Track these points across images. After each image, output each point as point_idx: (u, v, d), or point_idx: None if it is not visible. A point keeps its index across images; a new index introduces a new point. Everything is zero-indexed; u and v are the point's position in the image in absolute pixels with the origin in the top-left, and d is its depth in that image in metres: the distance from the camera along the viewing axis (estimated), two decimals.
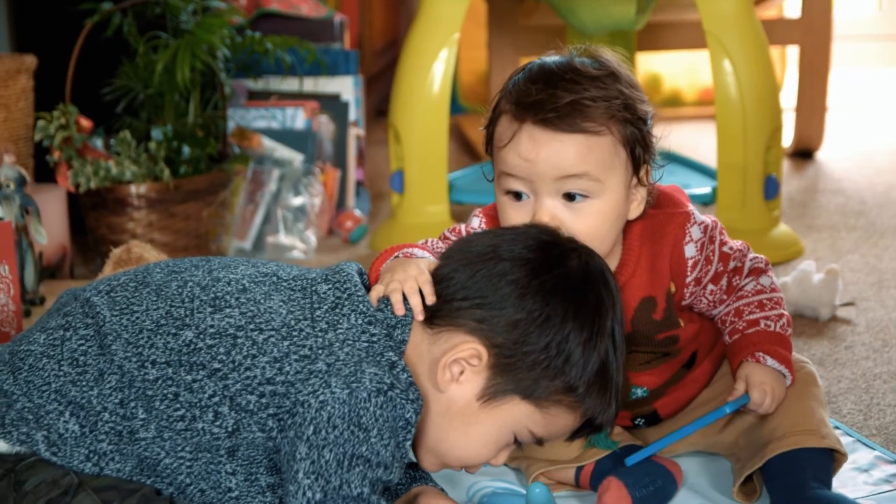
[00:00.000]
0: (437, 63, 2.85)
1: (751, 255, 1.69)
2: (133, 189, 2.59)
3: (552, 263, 1.42)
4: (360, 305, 1.41)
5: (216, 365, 1.37)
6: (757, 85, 2.73)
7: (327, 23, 3.32)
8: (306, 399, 1.34)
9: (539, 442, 1.47)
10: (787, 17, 4.21)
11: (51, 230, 2.47)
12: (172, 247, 2.62)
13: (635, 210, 1.61)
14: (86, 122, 2.62)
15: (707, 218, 1.67)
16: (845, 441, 1.81)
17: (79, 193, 2.58)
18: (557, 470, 1.68)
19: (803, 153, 3.86)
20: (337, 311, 1.41)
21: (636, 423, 1.77)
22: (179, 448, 1.37)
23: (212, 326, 1.39)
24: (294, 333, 1.38)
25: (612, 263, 1.61)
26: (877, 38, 5.23)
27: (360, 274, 1.49)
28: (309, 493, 1.31)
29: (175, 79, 2.64)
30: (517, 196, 1.57)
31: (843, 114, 4.41)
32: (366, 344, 1.39)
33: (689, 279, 1.65)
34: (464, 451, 1.44)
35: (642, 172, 1.59)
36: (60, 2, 2.88)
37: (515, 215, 1.57)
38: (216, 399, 1.36)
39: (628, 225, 1.63)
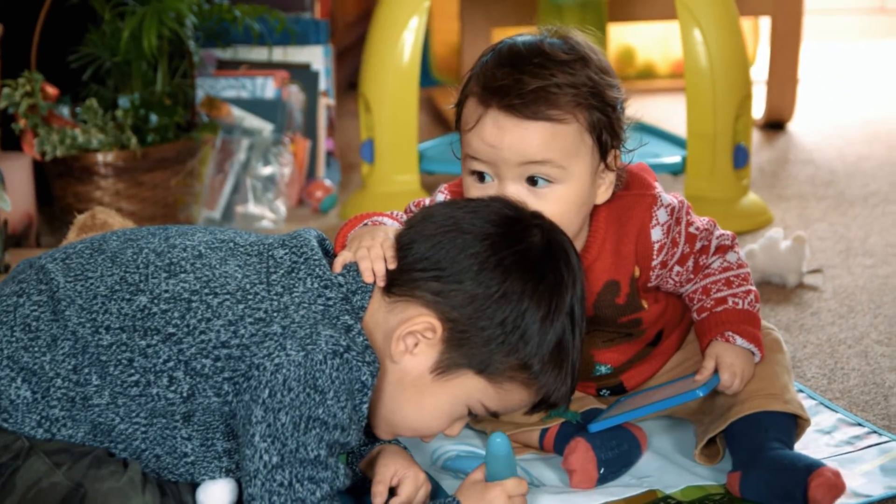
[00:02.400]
0: (407, 31, 2.84)
1: (717, 233, 1.69)
2: (100, 157, 2.57)
3: (513, 239, 1.42)
4: (317, 269, 1.41)
5: (171, 329, 1.36)
6: (726, 54, 2.73)
7: None
8: (261, 362, 1.33)
9: (494, 415, 1.47)
10: None
11: (16, 198, 2.45)
12: (140, 216, 2.60)
13: (603, 195, 1.60)
14: (52, 90, 2.60)
15: (674, 199, 1.66)
16: (808, 404, 1.81)
17: (45, 162, 2.56)
18: (522, 433, 1.69)
19: (774, 125, 3.86)
20: (293, 275, 1.40)
21: (601, 393, 1.77)
22: (134, 414, 1.36)
23: (166, 291, 1.38)
24: (249, 297, 1.37)
25: (577, 246, 1.60)
26: (848, 11, 5.23)
27: (321, 240, 1.48)
28: (266, 457, 1.30)
29: (142, 46, 2.62)
30: (482, 177, 1.56)
31: (814, 86, 4.41)
32: (321, 307, 1.38)
33: (654, 262, 1.64)
34: (416, 421, 1.44)
35: (610, 158, 1.58)
36: None
37: (480, 196, 1.56)
38: (171, 364, 1.36)
39: (595, 207, 1.62)
